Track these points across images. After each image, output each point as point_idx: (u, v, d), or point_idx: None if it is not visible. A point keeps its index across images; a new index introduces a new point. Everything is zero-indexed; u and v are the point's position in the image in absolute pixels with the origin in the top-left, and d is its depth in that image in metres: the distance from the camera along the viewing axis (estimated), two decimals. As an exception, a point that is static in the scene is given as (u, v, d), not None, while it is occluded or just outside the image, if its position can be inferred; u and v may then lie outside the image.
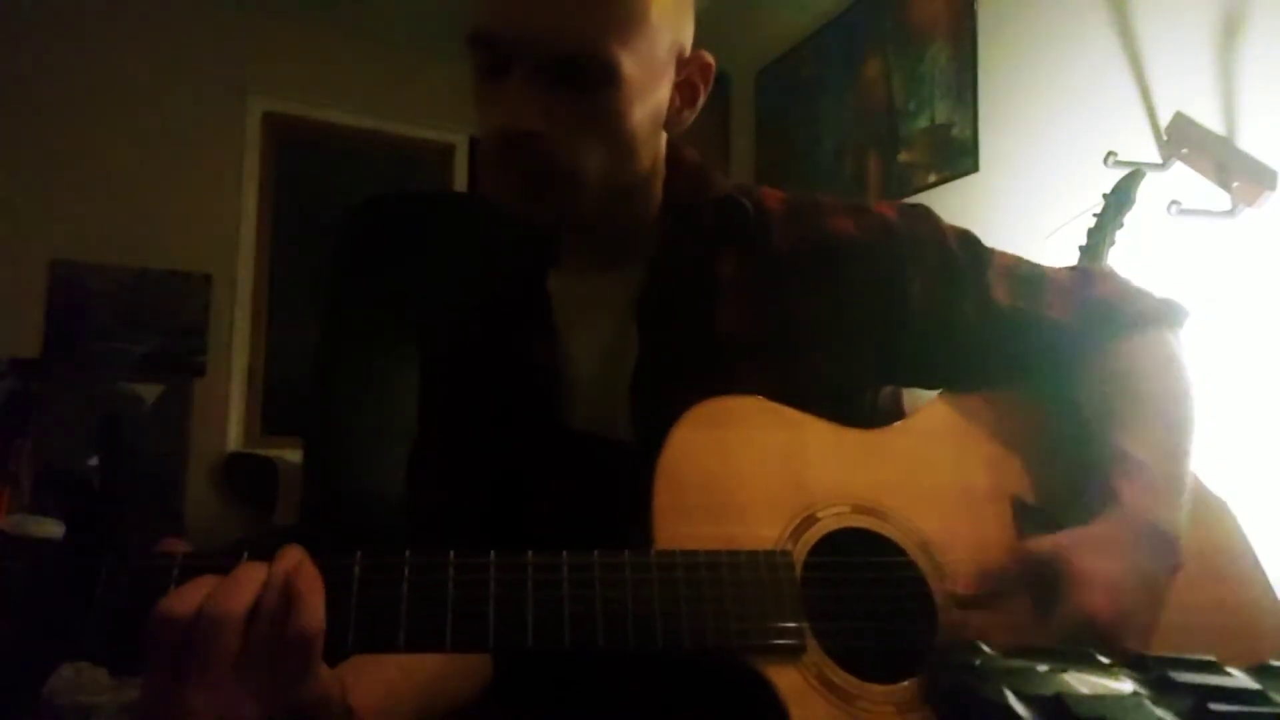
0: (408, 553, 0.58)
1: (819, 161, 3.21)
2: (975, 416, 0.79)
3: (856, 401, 0.80)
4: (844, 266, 0.80)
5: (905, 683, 0.63)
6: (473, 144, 4.06)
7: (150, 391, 3.39)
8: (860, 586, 0.67)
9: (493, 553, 0.59)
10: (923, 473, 0.74)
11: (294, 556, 0.55)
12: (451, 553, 0.58)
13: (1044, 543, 0.65)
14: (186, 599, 0.52)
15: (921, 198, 2.67)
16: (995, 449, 0.78)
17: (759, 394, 0.72)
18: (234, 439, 3.59)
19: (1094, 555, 0.63)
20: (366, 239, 1.23)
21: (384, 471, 1.04)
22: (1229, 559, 0.77)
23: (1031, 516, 0.74)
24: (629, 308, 0.79)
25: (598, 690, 0.73)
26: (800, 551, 0.66)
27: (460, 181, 4.04)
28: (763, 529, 0.66)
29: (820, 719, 0.60)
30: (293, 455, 3.17)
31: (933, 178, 2.69)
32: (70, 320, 3.34)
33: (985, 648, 0.51)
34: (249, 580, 0.53)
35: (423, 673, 0.74)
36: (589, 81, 0.68)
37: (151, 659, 0.51)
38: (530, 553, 0.60)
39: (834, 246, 0.80)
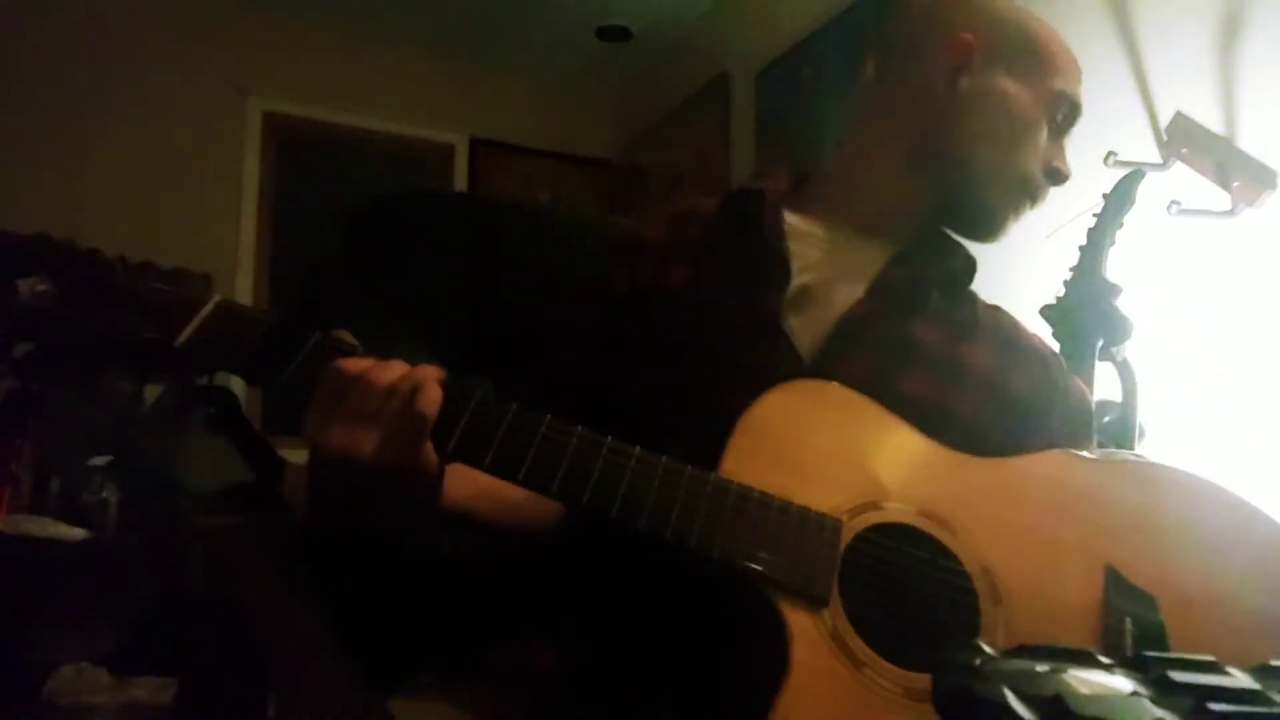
0: (515, 405, 0.68)
1: (819, 162, 3.21)
2: (1091, 479, 0.77)
3: None
4: (1023, 361, 0.89)
5: (926, 674, 0.62)
6: (473, 144, 4.06)
7: (150, 391, 3.39)
8: (905, 575, 0.67)
9: (579, 426, 0.67)
10: (1010, 508, 0.72)
11: (431, 371, 0.69)
12: (548, 415, 0.68)
13: None
14: (355, 364, 0.68)
15: (921, 198, 2.66)
16: (1104, 515, 0.74)
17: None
18: (234, 439, 3.59)
19: None
20: (370, 239, 1.23)
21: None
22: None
23: (1126, 592, 0.70)
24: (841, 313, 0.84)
25: (620, 585, 0.78)
26: (852, 528, 0.67)
27: (460, 181, 4.03)
28: (821, 498, 0.68)
29: (821, 666, 0.61)
30: (294, 455, 3.16)
31: (933, 178, 2.68)
32: (70, 320, 3.33)
33: (985, 648, 0.51)
34: (397, 368, 0.69)
35: (510, 491, 0.76)
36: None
37: (316, 397, 0.69)
38: (609, 437, 0.68)
39: (1020, 343, 0.91)
